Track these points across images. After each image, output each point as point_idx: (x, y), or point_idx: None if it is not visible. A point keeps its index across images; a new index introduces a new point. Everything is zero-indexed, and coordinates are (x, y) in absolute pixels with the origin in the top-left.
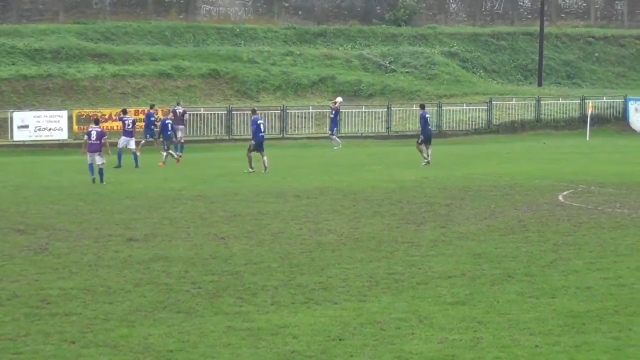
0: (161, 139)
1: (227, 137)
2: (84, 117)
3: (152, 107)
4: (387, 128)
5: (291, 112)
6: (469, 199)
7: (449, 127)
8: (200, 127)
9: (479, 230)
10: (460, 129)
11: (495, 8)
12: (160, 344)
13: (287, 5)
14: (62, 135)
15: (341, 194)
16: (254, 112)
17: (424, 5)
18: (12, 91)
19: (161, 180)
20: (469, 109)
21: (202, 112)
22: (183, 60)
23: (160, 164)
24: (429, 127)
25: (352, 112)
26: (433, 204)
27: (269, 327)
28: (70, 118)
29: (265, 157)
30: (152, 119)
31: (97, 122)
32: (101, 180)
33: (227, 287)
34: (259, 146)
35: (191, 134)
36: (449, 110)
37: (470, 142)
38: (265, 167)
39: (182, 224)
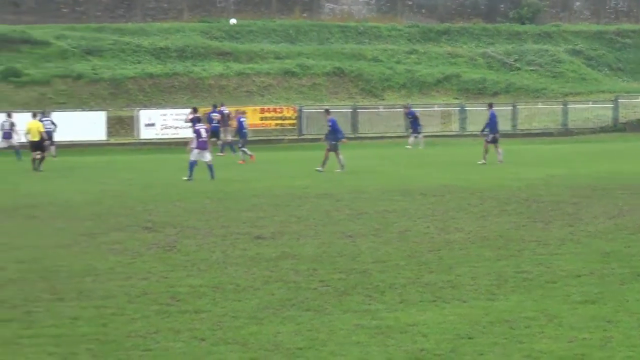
0: (237, 139)
1: (352, 135)
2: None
3: (215, 106)
4: (513, 126)
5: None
6: (596, 197)
7: (575, 125)
8: (325, 125)
9: (607, 229)
10: (587, 127)
11: (620, 6)
12: (289, 341)
13: (410, 3)
14: (188, 133)
15: (468, 192)
16: (327, 112)
17: (548, 3)
18: (139, 89)
19: (286, 178)
20: (595, 107)
21: None
22: (307, 58)
23: (240, 162)
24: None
25: (477, 110)
26: (560, 202)
27: (397, 325)
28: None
29: (341, 156)
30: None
31: (199, 119)
32: (212, 176)
33: (355, 285)
34: (335, 147)
35: (316, 132)
36: (575, 108)
37: (597, 140)
38: (342, 166)
39: (309, 222)
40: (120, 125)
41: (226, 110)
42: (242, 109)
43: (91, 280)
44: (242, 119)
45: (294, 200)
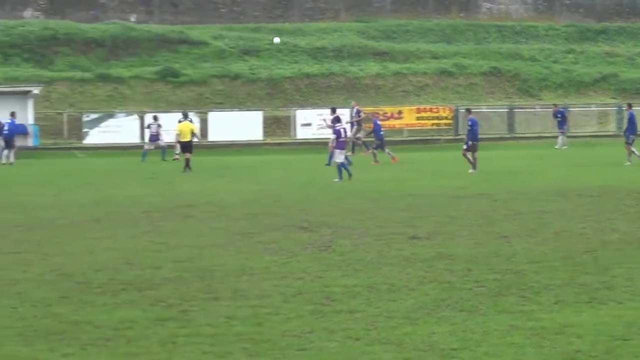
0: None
1: (509, 135)
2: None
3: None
4: None
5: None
6: None
7: None
8: (482, 125)
9: None
10: None
11: None
12: (443, 341)
13: (568, 2)
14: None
15: (624, 192)
16: (469, 112)
17: None
18: (295, 89)
19: (442, 178)
20: None
21: (484, 110)
22: (464, 58)
23: (374, 162)
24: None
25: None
26: None
27: (552, 326)
28: (352, 116)
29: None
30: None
31: (339, 119)
32: (350, 175)
33: (510, 285)
34: (475, 147)
35: None
36: None
37: None
38: (475, 166)
39: (464, 222)
40: (277, 125)
41: (356, 108)
42: (379, 110)
43: (246, 279)
44: (377, 121)
45: (450, 200)
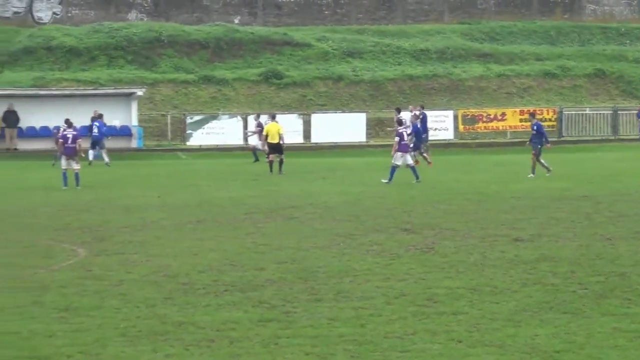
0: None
1: (613, 137)
2: (469, 117)
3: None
4: None
5: None
6: None
7: None
8: (585, 127)
9: None
10: None
11: None
12: (546, 344)
13: None
14: (448, 135)
15: None
16: (533, 116)
17: None
18: (398, 91)
19: (545, 179)
20: None
21: (587, 112)
22: (568, 59)
23: (429, 164)
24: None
25: None
26: None
27: None
28: (455, 118)
29: (542, 160)
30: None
31: (401, 122)
32: (417, 178)
33: (613, 288)
34: (539, 151)
35: (577, 134)
36: None
37: None
38: (543, 169)
39: (567, 224)
40: (380, 126)
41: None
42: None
43: (349, 281)
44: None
45: (553, 202)
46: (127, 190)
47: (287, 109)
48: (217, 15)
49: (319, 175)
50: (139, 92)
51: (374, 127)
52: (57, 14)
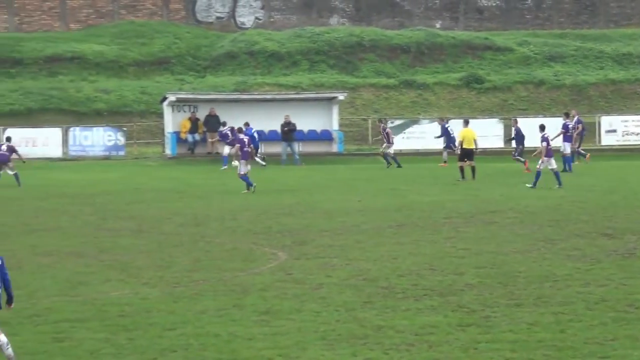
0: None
1: None
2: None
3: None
4: None
5: None
6: None
7: None
8: None
9: None
10: None
11: None
12: None
13: None
14: None
15: None
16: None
17: None
18: (600, 96)
19: None
20: None
21: None
22: None
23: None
24: None
25: None
26: None
27: None
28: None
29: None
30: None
31: (543, 127)
32: (559, 184)
33: None
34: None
35: None
36: None
37: None
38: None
39: None
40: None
41: (577, 118)
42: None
43: (549, 286)
44: (447, 125)
45: None
46: (328, 195)
47: (488, 113)
48: (418, 20)
49: (521, 179)
50: (341, 97)
51: None
52: (260, 19)
